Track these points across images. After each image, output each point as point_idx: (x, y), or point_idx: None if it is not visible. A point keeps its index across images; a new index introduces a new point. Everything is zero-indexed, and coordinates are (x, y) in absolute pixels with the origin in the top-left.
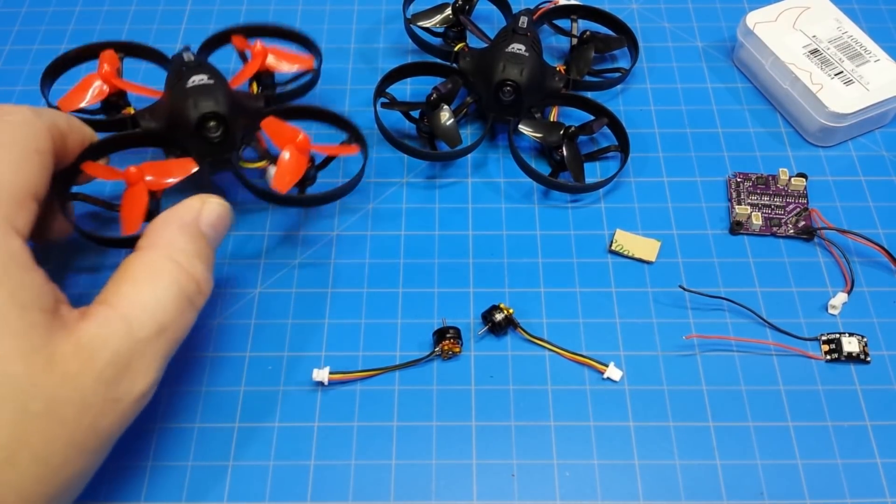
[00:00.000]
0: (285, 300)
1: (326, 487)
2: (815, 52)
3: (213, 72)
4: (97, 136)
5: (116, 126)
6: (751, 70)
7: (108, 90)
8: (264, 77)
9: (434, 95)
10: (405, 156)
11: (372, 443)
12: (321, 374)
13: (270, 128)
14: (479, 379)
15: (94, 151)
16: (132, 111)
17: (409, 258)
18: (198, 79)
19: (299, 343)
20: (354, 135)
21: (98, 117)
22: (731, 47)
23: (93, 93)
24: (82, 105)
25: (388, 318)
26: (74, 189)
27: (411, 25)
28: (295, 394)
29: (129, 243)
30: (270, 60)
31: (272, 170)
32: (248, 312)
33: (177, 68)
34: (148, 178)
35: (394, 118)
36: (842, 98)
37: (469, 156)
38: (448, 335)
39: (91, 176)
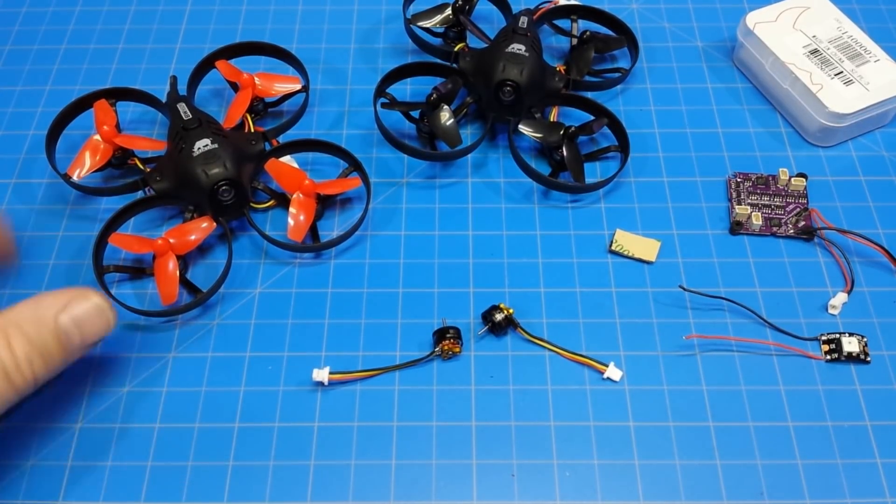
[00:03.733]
0: (285, 300)
1: (326, 487)
2: (815, 52)
3: (213, 129)
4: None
5: (128, 187)
6: (751, 70)
7: (111, 149)
8: (256, 102)
9: (434, 95)
10: (405, 156)
11: (372, 443)
12: (321, 374)
13: (275, 170)
14: (479, 379)
15: (116, 222)
16: (137, 162)
17: (409, 258)
18: (202, 145)
19: (299, 343)
20: (353, 163)
21: (111, 185)
22: (731, 47)
23: (98, 156)
24: (91, 169)
25: (388, 318)
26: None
27: (411, 25)
28: (295, 394)
29: (171, 313)
30: (259, 86)
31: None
32: (248, 312)
33: (176, 124)
34: (171, 240)
35: (394, 118)
36: (842, 98)
37: (469, 156)
38: (448, 335)
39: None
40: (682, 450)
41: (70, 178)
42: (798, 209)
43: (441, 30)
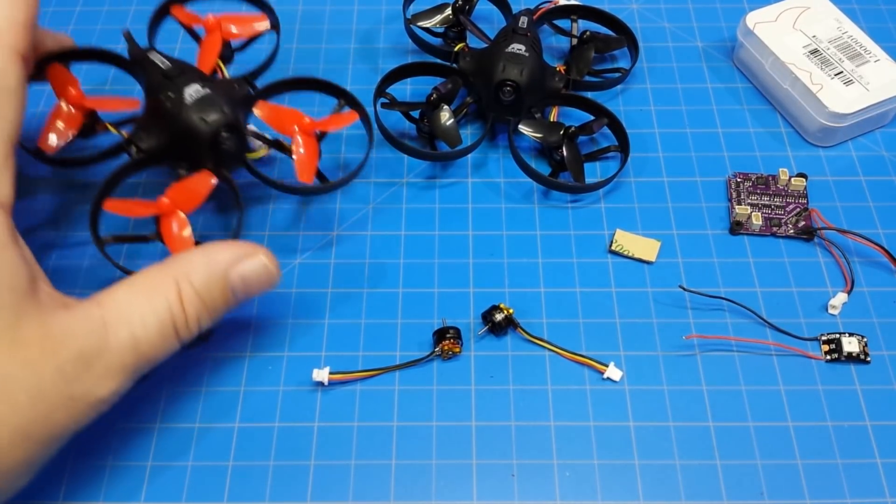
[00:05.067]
0: (285, 300)
1: (326, 487)
2: (815, 52)
3: (201, 77)
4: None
5: (109, 154)
6: (751, 70)
7: (81, 116)
8: (223, 50)
9: (434, 95)
10: (405, 156)
11: (372, 443)
12: (321, 374)
13: (267, 112)
14: (479, 379)
15: (107, 189)
16: (110, 126)
17: (409, 258)
18: (193, 91)
19: (299, 343)
20: (347, 99)
21: (86, 154)
22: (731, 47)
23: (69, 124)
24: (64, 140)
25: (388, 318)
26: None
27: (411, 25)
28: (295, 394)
29: None
30: (227, 29)
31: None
32: (249, 312)
33: (154, 76)
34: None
35: (394, 118)
36: (842, 98)
37: (469, 156)
38: (448, 335)
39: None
40: (682, 450)
41: (42, 152)
42: (798, 209)
43: (441, 30)
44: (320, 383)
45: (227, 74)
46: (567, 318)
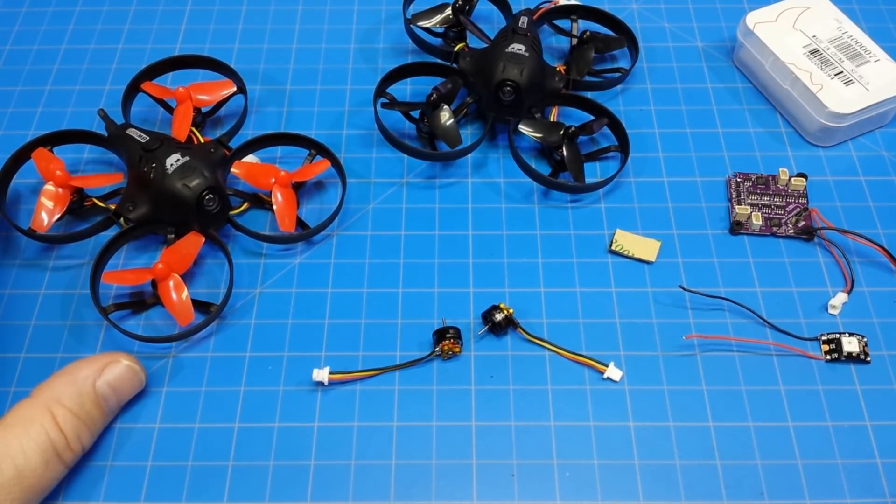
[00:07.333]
0: (285, 300)
1: (326, 487)
2: (815, 52)
3: (178, 145)
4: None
5: (99, 226)
6: (751, 70)
7: (69, 194)
8: (195, 116)
9: (434, 95)
10: (405, 156)
11: (372, 443)
12: (321, 374)
13: (244, 171)
14: (479, 379)
15: (102, 261)
16: (96, 200)
17: (409, 258)
18: (174, 160)
19: (299, 343)
20: (317, 148)
21: (76, 229)
22: (731, 47)
23: (59, 204)
24: (55, 218)
25: (388, 318)
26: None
27: (411, 25)
28: (295, 394)
29: (190, 333)
30: (197, 98)
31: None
32: (248, 312)
33: (134, 149)
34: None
35: (394, 118)
36: (842, 98)
37: (469, 156)
38: (448, 335)
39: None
40: (682, 450)
41: (35, 231)
42: (798, 209)
43: (441, 30)
44: (320, 383)
45: (199, 139)
46: (567, 318)
